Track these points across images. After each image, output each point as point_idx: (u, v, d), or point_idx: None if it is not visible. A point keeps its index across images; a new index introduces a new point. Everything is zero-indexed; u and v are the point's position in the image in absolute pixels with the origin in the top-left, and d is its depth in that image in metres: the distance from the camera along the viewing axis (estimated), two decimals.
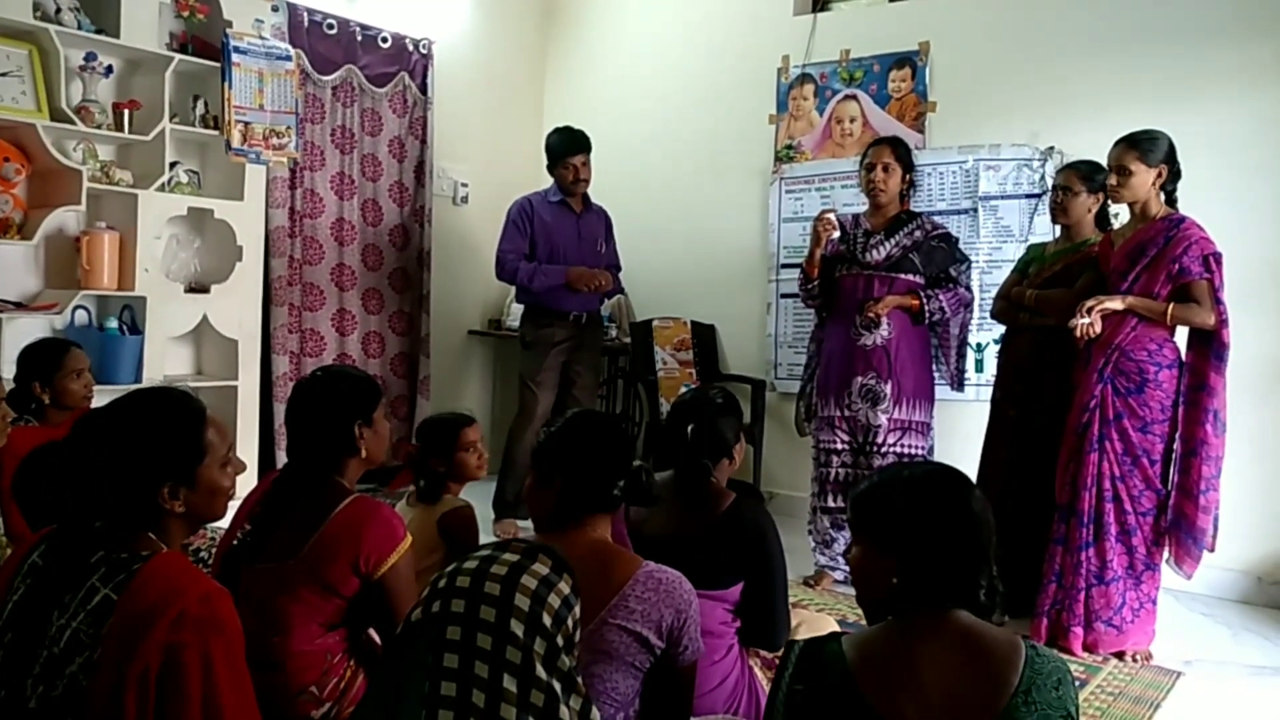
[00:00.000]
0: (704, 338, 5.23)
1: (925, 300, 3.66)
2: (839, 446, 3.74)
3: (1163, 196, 3.15)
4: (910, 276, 3.69)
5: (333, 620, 1.98)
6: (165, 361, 4.18)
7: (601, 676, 1.60)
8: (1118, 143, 3.14)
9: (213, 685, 1.37)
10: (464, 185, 5.57)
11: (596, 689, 1.59)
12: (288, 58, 4.38)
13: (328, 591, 1.93)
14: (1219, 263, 3.05)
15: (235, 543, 2.06)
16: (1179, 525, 3.12)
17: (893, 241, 3.68)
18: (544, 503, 1.77)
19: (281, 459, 4.56)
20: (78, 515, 1.48)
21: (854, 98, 4.87)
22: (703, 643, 2.06)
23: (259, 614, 1.90)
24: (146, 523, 1.49)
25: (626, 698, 1.65)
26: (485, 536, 3.03)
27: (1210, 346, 3.08)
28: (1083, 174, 3.40)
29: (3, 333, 3.65)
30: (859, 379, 3.68)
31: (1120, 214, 3.39)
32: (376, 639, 2.11)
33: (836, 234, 3.70)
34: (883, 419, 3.65)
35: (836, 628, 2.52)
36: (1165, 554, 3.17)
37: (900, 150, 3.73)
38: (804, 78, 5.02)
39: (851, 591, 3.90)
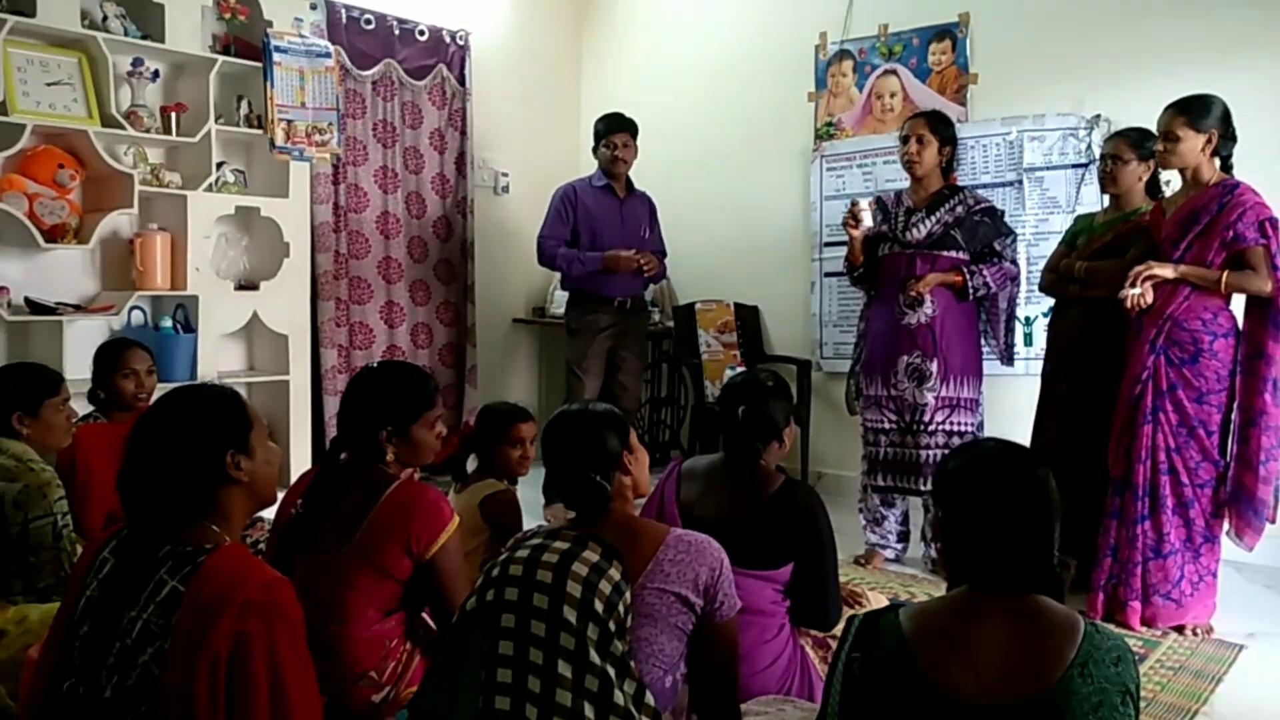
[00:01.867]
0: (748, 319, 5.22)
1: (969, 276, 3.61)
2: (886, 426, 3.72)
3: (1217, 162, 3.08)
4: (953, 253, 3.64)
5: (389, 605, 2.02)
6: (219, 358, 4.26)
7: (647, 639, 1.63)
8: (1167, 108, 3.07)
9: (279, 670, 1.42)
10: (504, 175, 5.60)
11: (644, 652, 1.62)
12: (327, 55, 4.43)
13: (382, 575, 1.98)
14: (1275, 227, 2.97)
15: (286, 529, 2.10)
16: (1239, 497, 3.06)
17: (934, 218, 3.64)
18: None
19: None
20: (146, 505, 1.53)
21: (894, 72, 4.81)
22: (753, 621, 2.08)
23: (316, 605, 1.94)
24: (209, 509, 1.54)
25: (672, 660, 1.67)
26: (536, 521, 3.06)
27: (1268, 314, 3.01)
28: (1132, 142, 3.34)
29: (64, 335, 3.75)
30: (904, 358, 3.65)
31: (1172, 181, 3.32)
32: (431, 623, 2.15)
33: (866, 221, 3.65)
34: (929, 398, 3.61)
35: None
36: (1225, 526, 3.12)
37: (937, 123, 3.67)
38: (842, 54, 4.96)
39: (903, 570, 3.90)
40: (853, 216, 3.67)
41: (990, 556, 1.39)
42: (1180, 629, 3.13)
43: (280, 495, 2.09)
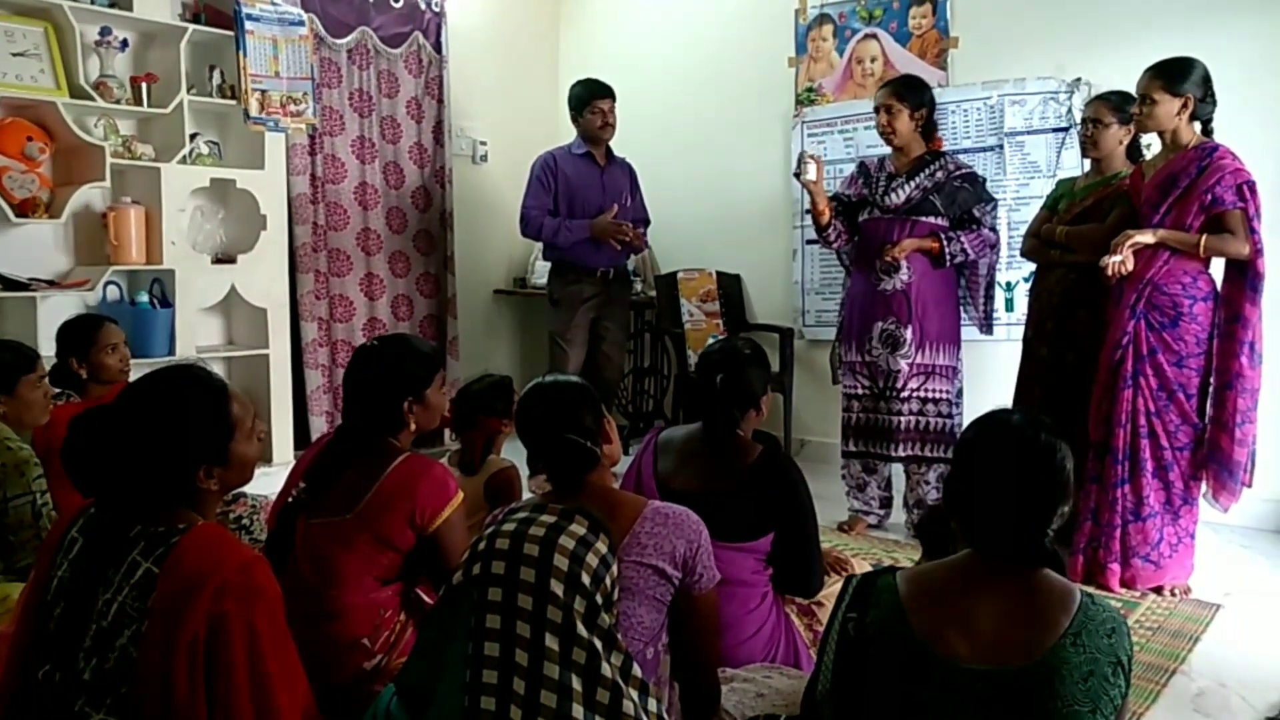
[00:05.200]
0: (730, 288, 5.21)
1: (945, 242, 3.61)
2: (860, 392, 3.74)
3: (1197, 126, 3.08)
4: (931, 219, 3.63)
5: (387, 575, 2.03)
6: (197, 333, 4.23)
7: (626, 612, 1.63)
8: (1145, 71, 3.08)
9: (258, 651, 1.42)
10: (483, 144, 5.54)
11: (624, 624, 1.62)
12: (301, 23, 4.36)
13: (383, 544, 1.99)
14: (1253, 191, 2.98)
15: (290, 500, 2.10)
16: (1215, 459, 3.09)
17: (913, 184, 3.63)
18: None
19: (315, 424, 4.62)
20: (115, 493, 1.51)
21: (874, 36, 4.78)
22: (735, 592, 2.09)
23: (316, 567, 1.97)
24: (182, 499, 1.52)
25: (652, 631, 1.68)
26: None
27: (1245, 277, 3.02)
28: (1113, 105, 3.33)
29: (38, 311, 3.70)
30: (879, 324, 3.65)
31: (1152, 145, 3.32)
32: (425, 598, 2.16)
33: (809, 174, 3.65)
34: (903, 364, 3.62)
35: None
36: (1203, 488, 3.16)
37: (904, 90, 3.64)
38: (822, 18, 4.93)
39: (885, 536, 3.91)
40: (799, 167, 3.69)
41: (999, 529, 1.39)
42: (1159, 590, 3.16)
43: (263, 469, 2.09)
